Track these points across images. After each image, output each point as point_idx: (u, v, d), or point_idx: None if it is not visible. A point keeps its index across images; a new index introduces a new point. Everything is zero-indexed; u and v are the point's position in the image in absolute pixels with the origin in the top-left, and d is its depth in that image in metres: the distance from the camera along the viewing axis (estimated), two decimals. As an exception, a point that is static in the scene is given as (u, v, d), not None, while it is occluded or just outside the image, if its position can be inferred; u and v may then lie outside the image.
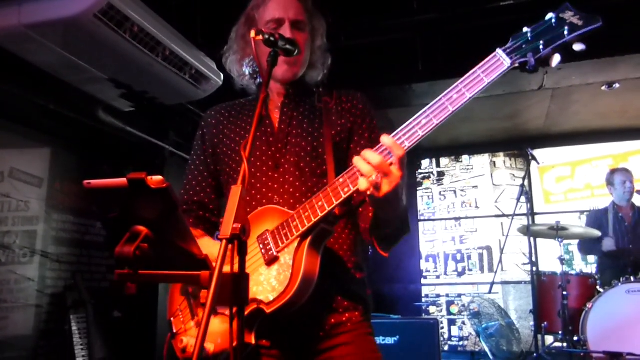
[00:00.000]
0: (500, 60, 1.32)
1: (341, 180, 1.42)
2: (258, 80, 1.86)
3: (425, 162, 7.80)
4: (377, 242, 1.59)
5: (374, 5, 4.34)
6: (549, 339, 4.93)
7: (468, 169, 7.66)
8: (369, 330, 1.67)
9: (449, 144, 7.41)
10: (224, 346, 1.46)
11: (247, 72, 1.84)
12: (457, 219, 7.55)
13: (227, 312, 1.46)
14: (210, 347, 1.48)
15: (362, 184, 1.33)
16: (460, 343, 7.14)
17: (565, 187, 7.34)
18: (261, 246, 1.54)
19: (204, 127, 1.90)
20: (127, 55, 3.63)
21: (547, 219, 6.69)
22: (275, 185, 1.68)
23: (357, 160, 1.34)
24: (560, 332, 4.54)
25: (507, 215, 6.89)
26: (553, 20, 1.30)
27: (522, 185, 5.36)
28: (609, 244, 4.99)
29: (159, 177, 1.07)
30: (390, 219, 1.50)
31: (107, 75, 3.98)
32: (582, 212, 7.01)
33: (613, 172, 5.50)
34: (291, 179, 1.67)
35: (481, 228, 7.41)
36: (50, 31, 3.37)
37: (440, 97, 1.34)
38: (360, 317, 1.65)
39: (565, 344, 4.52)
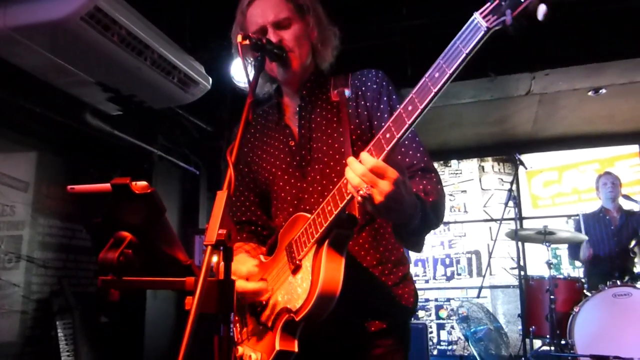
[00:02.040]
0: (477, 25, 1.13)
1: (345, 181, 1.35)
2: (274, 85, 1.85)
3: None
4: (402, 244, 1.56)
5: (362, 10, 4.35)
6: (537, 343, 4.94)
7: (457, 174, 7.69)
8: (392, 347, 1.62)
9: (437, 149, 7.44)
10: (267, 356, 1.51)
11: (262, 78, 1.81)
12: (445, 223, 7.57)
13: (269, 324, 1.54)
14: (256, 356, 1.54)
15: (354, 194, 1.29)
16: (449, 347, 7.15)
17: (552, 192, 7.39)
18: (288, 255, 1.56)
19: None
20: (115, 59, 3.61)
21: (535, 224, 6.73)
22: (306, 195, 1.69)
23: (346, 170, 1.29)
24: (548, 336, 4.55)
25: (496, 220, 6.92)
26: None
27: (510, 190, 5.38)
28: (585, 251, 5.04)
29: (144, 183, 1.06)
30: (400, 225, 1.43)
31: (94, 79, 3.95)
32: (569, 217, 7.06)
33: (599, 176, 5.62)
34: (319, 188, 1.67)
35: (470, 232, 7.44)
36: (36, 34, 3.35)
37: (423, 78, 1.21)
38: (385, 332, 1.61)
39: (553, 348, 4.53)
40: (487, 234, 7.34)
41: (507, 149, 7.16)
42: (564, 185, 7.34)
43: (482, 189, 7.53)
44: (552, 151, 7.34)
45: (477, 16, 1.14)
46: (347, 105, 1.69)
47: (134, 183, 1.05)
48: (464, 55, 1.14)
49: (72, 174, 4.96)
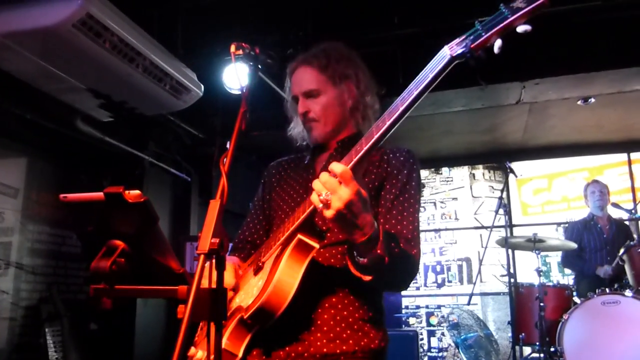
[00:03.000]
0: (442, 54, 1.30)
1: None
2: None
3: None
4: (353, 265, 1.50)
5: (354, 19, 4.38)
6: (527, 350, 4.96)
7: (448, 181, 7.73)
8: None
9: (429, 156, 7.47)
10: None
11: (299, 128, 1.90)
12: (436, 230, 7.59)
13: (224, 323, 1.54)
14: (202, 355, 1.54)
15: (314, 199, 1.35)
16: (440, 354, 7.15)
17: (542, 200, 7.44)
18: (255, 258, 1.63)
19: (267, 176, 2.02)
20: (106, 66, 3.60)
21: (525, 231, 6.77)
22: None
23: (314, 181, 1.36)
24: (537, 343, 4.57)
25: (486, 227, 6.96)
26: (502, 9, 1.26)
27: (501, 198, 5.42)
28: (606, 270, 5.04)
29: (137, 192, 1.06)
30: (355, 241, 1.41)
31: (85, 85, 3.94)
32: (558, 224, 7.11)
33: (587, 184, 5.67)
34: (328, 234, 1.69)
35: (460, 240, 7.47)
36: (27, 40, 3.34)
37: (396, 99, 1.35)
38: (359, 355, 1.59)
39: (542, 355, 4.55)
40: (477, 241, 7.37)
41: (497, 157, 7.21)
42: (554, 193, 7.40)
43: (473, 196, 7.57)
44: (542, 159, 7.40)
45: (445, 48, 1.31)
46: (369, 163, 1.75)
47: (127, 192, 1.05)
48: (429, 78, 1.30)
49: (62, 181, 4.93)
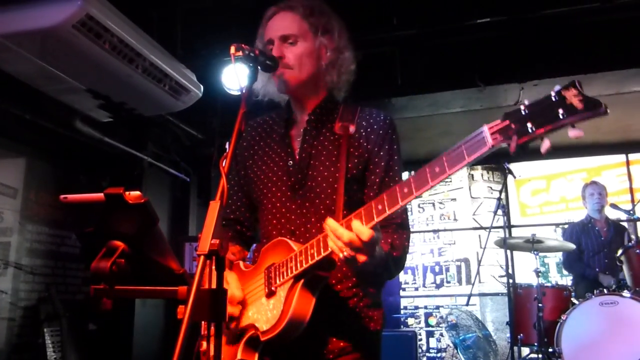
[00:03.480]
0: (483, 139, 1.20)
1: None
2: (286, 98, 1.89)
3: (404, 175, 7.83)
4: (360, 281, 1.68)
5: (354, 20, 4.38)
6: (525, 351, 4.96)
7: (446, 182, 7.73)
8: None
9: (427, 157, 7.28)
10: None
11: (270, 88, 1.84)
12: (435, 231, 7.60)
13: (234, 333, 1.63)
14: None
15: (335, 250, 1.41)
16: (438, 355, 7.16)
17: (540, 200, 7.45)
18: (266, 278, 1.63)
19: (238, 148, 1.91)
20: (106, 66, 3.61)
21: (523, 232, 6.78)
22: (293, 216, 1.73)
23: (330, 234, 1.40)
24: (535, 344, 4.58)
25: (485, 228, 6.96)
26: (553, 98, 1.12)
27: (499, 198, 5.42)
28: (609, 281, 5.04)
29: (137, 193, 1.06)
30: (369, 273, 1.58)
31: (85, 86, 3.94)
32: (557, 225, 7.11)
33: (585, 185, 5.66)
34: (308, 214, 1.71)
35: (459, 240, 7.48)
36: (27, 41, 3.34)
37: (424, 167, 1.30)
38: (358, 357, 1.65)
39: (540, 356, 4.56)
40: (476, 242, 7.38)
41: (496, 158, 7.15)
42: (552, 194, 7.41)
43: (472, 197, 7.58)
44: (540, 160, 7.40)
45: (485, 130, 1.19)
46: (348, 142, 1.71)
47: (127, 193, 1.06)
48: (465, 161, 1.23)
49: (61, 181, 4.94)
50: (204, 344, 1.64)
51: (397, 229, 1.67)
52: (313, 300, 1.52)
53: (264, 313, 1.59)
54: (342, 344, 1.64)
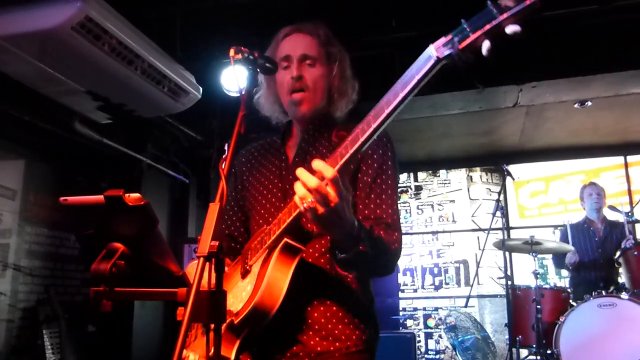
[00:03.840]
0: (429, 55, 1.24)
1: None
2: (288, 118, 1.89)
3: (402, 176, 7.86)
4: (336, 262, 1.55)
5: (352, 22, 4.39)
6: (524, 352, 4.97)
7: (445, 184, 7.74)
8: None
9: (426, 159, 7.49)
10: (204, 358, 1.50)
11: (277, 108, 1.88)
12: (434, 232, 7.61)
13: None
14: (194, 358, 1.53)
15: (298, 202, 1.35)
16: (437, 356, 7.16)
17: (539, 202, 7.46)
18: (241, 261, 1.62)
19: (237, 165, 1.98)
20: (105, 68, 3.61)
21: (522, 234, 6.79)
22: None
23: (297, 184, 1.35)
24: (534, 346, 4.58)
25: (483, 230, 6.97)
26: (489, 7, 1.18)
27: (498, 200, 5.43)
28: (570, 257, 5.10)
29: (137, 195, 1.07)
30: (339, 241, 1.47)
31: (84, 88, 3.94)
32: (555, 227, 7.12)
33: (584, 187, 5.68)
34: None
35: (458, 242, 7.48)
36: (26, 43, 3.34)
37: (380, 100, 1.31)
38: (352, 349, 1.62)
39: (539, 357, 4.56)
40: (475, 244, 7.38)
41: (494, 160, 7.23)
42: (551, 196, 7.42)
43: (470, 198, 7.58)
44: (538, 162, 7.42)
45: (430, 47, 1.25)
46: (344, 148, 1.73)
47: (127, 195, 1.06)
48: (415, 80, 1.25)
49: (60, 183, 4.93)
50: (184, 352, 1.59)
51: (387, 229, 1.62)
52: (289, 272, 1.47)
53: (238, 295, 1.53)
54: (335, 331, 1.61)
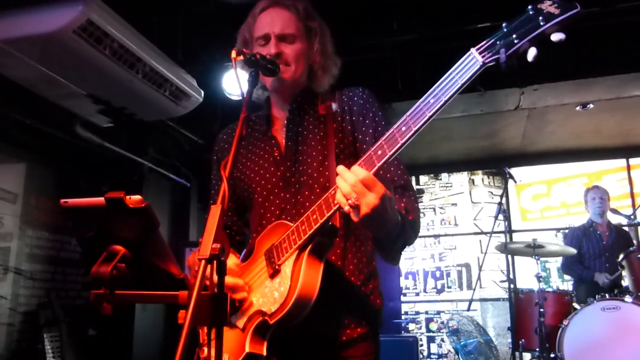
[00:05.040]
0: (473, 59, 1.25)
1: (332, 192, 1.41)
2: (266, 93, 1.87)
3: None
4: (381, 255, 1.60)
5: (354, 24, 4.39)
6: (527, 356, 4.95)
7: (447, 187, 7.73)
8: (370, 350, 1.65)
9: (428, 162, 7.48)
10: (235, 358, 1.51)
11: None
12: (436, 236, 7.59)
13: (240, 325, 1.55)
14: (225, 357, 1.52)
15: (341, 201, 1.34)
16: (439, 360, 7.14)
17: (541, 205, 7.44)
18: (267, 260, 1.58)
19: (218, 151, 1.93)
20: (106, 71, 3.61)
21: (524, 237, 6.77)
22: (288, 206, 1.70)
23: (337, 178, 1.34)
24: (537, 349, 4.56)
25: (486, 233, 6.95)
26: (530, 12, 1.20)
27: (500, 203, 5.41)
28: (603, 279, 5.05)
29: (138, 197, 1.06)
30: (381, 237, 1.49)
31: (85, 91, 3.94)
32: (558, 230, 7.10)
33: (587, 190, 5.66)
34: (301, 199, 1.69)
35: (460, 245, 7.46)
36: (28, 46, 3.34)
37: (418, 103, 1.30)
38: (364, 336, 1.64)
39: (542, 361, 4.54)
40: (477, 247, 7.36)
41: (496, 163, 7.22)
42: (553, 199, 7.40)
43: (472, 202, 7.57)
44: (540, 165, 7.40)
45: (473, 51, 1.25)
46: (333, 119, 1.73)
47: (128, 197, 1.05)
48: (459, 85, 1.26)
49: (61, 186, 4.93)
50: (205, 349, 1.61)
51: (403, 192, 1.64)
52: (321, 268, 1.48)
53: (269, 295, 1.52)
54: (352, 329, 1.62)
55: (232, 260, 1.69)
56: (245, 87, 1.54)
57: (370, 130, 1.71)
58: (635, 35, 4.34)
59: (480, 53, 1.24)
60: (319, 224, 1.44)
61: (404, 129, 1.31)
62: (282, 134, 1.79)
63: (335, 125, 1.72)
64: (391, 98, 4.86)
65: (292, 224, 1.53)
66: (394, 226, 1.43)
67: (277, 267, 1.53)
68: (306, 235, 1.46)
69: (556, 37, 1.17)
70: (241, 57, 1.54)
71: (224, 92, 4.48)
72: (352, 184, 1.30)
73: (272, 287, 1.52)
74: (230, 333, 1.57)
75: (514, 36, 1.21)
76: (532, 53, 1.20)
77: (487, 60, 1.23)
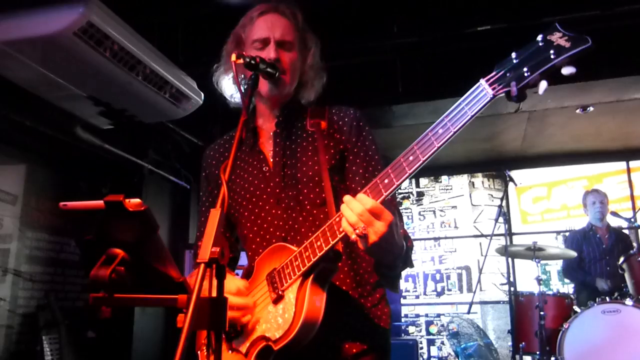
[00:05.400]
0: (483, 91, 1.25)
1: (337, 219, 1.40)
2: (252, 104, 1.85)
3: (404, 182, 7.83)
4: (382, 282, 1.61)
5: (354, 27, 4.39)
6: (527, 359, 4.94)
7: (447, 189, 7.73)
8: None
9: (428, 165, 7.32)
10: None
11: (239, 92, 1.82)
12: (436, 239, 7.58)
13: (243, 350, 1.54)
14: None
15: (347, 229, 1.33)
16: (439, 363, 7.13)
17: (541, 208, 7.44)
18: (269, 284, 1.56)
19: (206, 167, 1.92)
20: (107, 74, 3.61)
21: (525, 239, 6.77)
22: (280, 223, 1.67)
23: (343, 207, 1.34)
24: (537, 352, 4.55)
25: (486, 236, 6.94)
26: (540, 43, 1.20)
27: (500, 206, 5.41)
28: (603, 285, 5.05)
29: (137, 200, 1.05)
30: (386, 264, 1.49)
31: (86, 93, 3.94)
32: (558, 233, 7.10)
33: (586, 193, 5.65)
34: (293, 214, 1.66)
35: (460, 248, 7.46)
36: (28, 48, 3.34)
37: (427, 132, 1.30)
38: (366, 352, 1.61)
39: (542, 364, 4.53)
40: (477, 250, 7.36)
41: (496, 165, 7.22)
42: (553, 202, 7.40)
43: (473, 204, 7.57)
44: (541, 167, 7.40)
45: (483, 83, 1.25)
46: (322, 136, 1.71)
47: (127, 200, 1.05)
48: (468, 117, 1.25)
49: (61, 188, 4.93)
50: (204, 350, 1.60)
51: (400, 216, 1.62)
52: (324, 295, 1.47)
53: (273, 321, 1.51)
54: (353, 348, 1.60)
55: (242, 283, 1.65)
56: (232, 91, 1.52)
57: (362, 154, 1.70)
58: (636, 38, 4.35)
59: (490, 85, 1.24)
60: (323, 252, 1.42)
61: (411, 158, 1.31)
62: (268, 147, 1.76)
63: (326, 142, 1.70)
64: (391, 101, 4.86)
65: (294, 248, 1.52)
66: (399, 251, 1.43)
67: (280, 292, 1.51)
68: (310, 263, 1.45)
69: (567, 70, 1.18)
70: (241, 61, 1.53)
71: (224, 94, 4.48)
72: (359, 213, 1.30)
73: (276, 313, 1.52)
74: (232, 356, 1.57)
75: (525, 69, 1.20)
76: (542, 86, 1.20)
77: (497, 93, 1.23)
